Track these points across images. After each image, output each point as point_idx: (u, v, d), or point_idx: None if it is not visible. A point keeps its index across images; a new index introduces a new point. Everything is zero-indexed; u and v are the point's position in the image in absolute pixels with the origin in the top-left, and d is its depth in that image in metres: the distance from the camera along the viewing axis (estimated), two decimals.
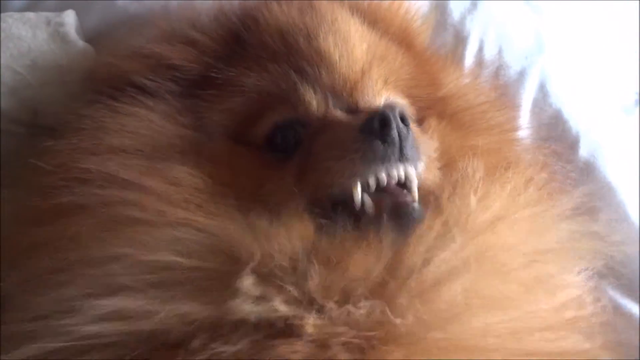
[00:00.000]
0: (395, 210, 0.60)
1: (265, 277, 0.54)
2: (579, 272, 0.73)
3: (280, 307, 0.53)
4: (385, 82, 0.73)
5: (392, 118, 0.61)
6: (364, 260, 0.56)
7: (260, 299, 0.54)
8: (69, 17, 0.82)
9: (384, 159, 0.60)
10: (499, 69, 0.99)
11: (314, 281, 0.54)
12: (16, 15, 0.81)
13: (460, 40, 0.99)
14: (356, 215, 0.60)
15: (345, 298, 0.55)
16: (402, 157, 0.61)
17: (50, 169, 0.64)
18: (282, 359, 0.53)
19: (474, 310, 0.57)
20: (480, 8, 1.01)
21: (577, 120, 0.97)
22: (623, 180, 0.94)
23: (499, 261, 0.61)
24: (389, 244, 0.58)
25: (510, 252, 0.62)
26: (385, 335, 0.54)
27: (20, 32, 0.77)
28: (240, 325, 0.53)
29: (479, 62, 0.98)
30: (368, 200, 0.61)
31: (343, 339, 0.53)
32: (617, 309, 0.85)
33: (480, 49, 0.99)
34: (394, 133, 0.60)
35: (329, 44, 0.71)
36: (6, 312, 0.60)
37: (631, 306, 0.88)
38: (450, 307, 0.56)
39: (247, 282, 0.54)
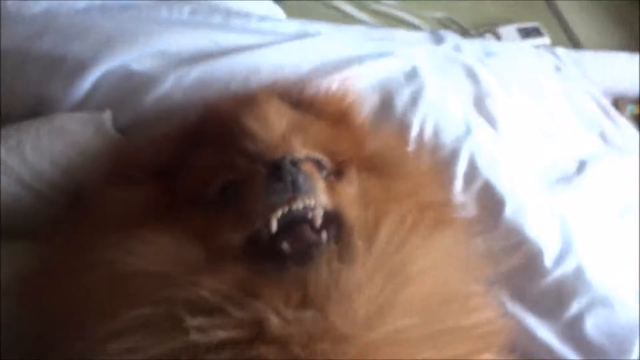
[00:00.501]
0: (302, 253, 0.74)
1: (206, 314, 0.67)
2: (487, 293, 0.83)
3: (224, 333, 0.66)
4: (303, 144, 0.87)
5: (281, 163, 0.77)
6: (284, 288, 0.70)
7: (206, 330, 0.66)
8: (108, 116, 1.05)
9: (281, 193, 0.76)
10: (435, 147, 1.18)
11: (248, 310, 0.67)
12: (68, 114, 1.05)
13: (405, 127, 1.20)
14: (278, 258, 0.74)
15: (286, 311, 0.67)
16: (295, 190, 0.76)
17: (70, 239, 0.83)
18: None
19: (387, 316, 0.68)
20: (419, 102, 1.23)
21: (502, 186, 1.15)
22: (539, 233, 1.12)
23: (403, 273, 0.72)
24: (301, 273, 0.71)
25: (412, 266, 0.74)
26: (326, 336, 0.65)
27: (73, 127, 1.00)
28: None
29: (420, 143, 1.18)
30: (285, 245, 0.74)
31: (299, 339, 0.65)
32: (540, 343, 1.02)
33: (421, 133, 1.19)
34: (286, 174, 0.76)
35: (252, 122, 0.87)
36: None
37: (552, 340, 1.03)
38: (366, 312, 0.67)
39: (193, 324, 0.66)
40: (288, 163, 0.77)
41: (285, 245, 0.76)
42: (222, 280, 0.72)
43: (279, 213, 0.76)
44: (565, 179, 1.34)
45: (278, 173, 0.77)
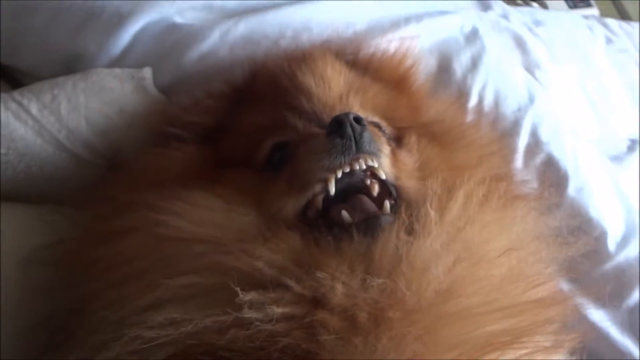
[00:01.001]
0: (365, 223, 0.69)
1: (261, 287, 0.63)
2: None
3: (282, 309, 0.62)
4: (361, 106, 0.84)
5: (345, 118, 0.72)
6: (348, 259, 0.65)
7: (261, 307, 0.62)
8: (148, 73, 0.98)
9: (344, 151, 0.71)
10: (496, 118, 1.11)
11: (308, 283, 0.63)
12: (107, 70, 0.97)
13: (462, 94, 1.12)
14: (335, 227, 0.70)
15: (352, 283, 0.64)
16: (359, 149, 0.71)
17: (110, 200, 0.79)
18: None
19: (458, 292, 0.65)
20: (479, 67, 1.15)
21: (566, 161, 1.08)
22: (603, 214, 1.05)
23: (477, 251, 0.69)
24: (364, 244, 0.67)
25: (486, 245, 0.71)
26: (395, 306, 0.62)
27: (111, 84, 0.93)
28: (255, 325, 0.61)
29: (479, 112, 1.11)
30: (345, 214, 0.70)
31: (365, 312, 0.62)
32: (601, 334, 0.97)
33: (480, 102, 1.12)
34: (349, 130, 0.71)
35: (308, 79, 0.84)
36: (77, 320, 0.70)
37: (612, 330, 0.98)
38: (437, 286, 0.64)
39: (246, 299, 0.62)
40: (352, 119, 0.73)
41: (345, 214, 0.71)
42: (277, 250, 0.67)
43: (339, 173, 0.72)
44: (617, 158, 1.28)
45: (340, 130, 0.71)
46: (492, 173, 0.87)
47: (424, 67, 1.09)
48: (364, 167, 0.72)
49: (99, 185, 0.87)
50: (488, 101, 1.13)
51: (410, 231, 0.69)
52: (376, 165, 0.73)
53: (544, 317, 0.69)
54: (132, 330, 0.62)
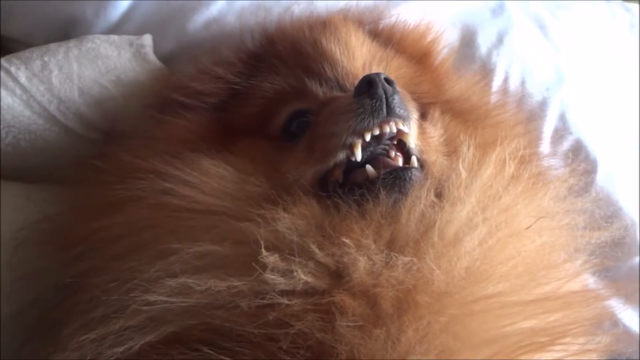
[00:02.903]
0: (393, 176, 0.64)
1: (283, 253, 0.59)
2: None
3: (305, 277, 0.57)
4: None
5: (376, 78, 0.66)
6: (368, 229, 0.60)
7: (285, 272, 0.57)
8: (148, 40, 0.90)
9: (374, 113, 0.65)
10: (522, 98, 1.03)
11: (331, 250, 0.59)
12: (103, 37, 0.89)
13: (487, 71, 1.03)
14: (358, 190, 0.64)
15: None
16: (390, 112, 0.66)
17: (110, 169, 0.72)
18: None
19: (489, 272, 0.60)
20: (506, 43, 1.06)
21: (595, 147, 1.01)
22: (634, 204, 0.99)
23: (509, 231, 0.63)
24: (391, 203, 0.61)
25: (507, 223, 0.64)
26: (422, 288, 0.57)
27: (107, 52, 0.85)
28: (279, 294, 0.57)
29: (504, 91, 1.03)
30: (370, 168, 0.65)
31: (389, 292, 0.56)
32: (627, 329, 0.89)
33: (506, 80, 1.04)
34: (380, 90, 0.66)
35: (332, 46, 0.79)
36: (75, 296, 0.65)
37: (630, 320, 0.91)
38: (468, 263, 0.59)
39: (269, 260, 0.58)
40: (383, 79, 0.67)
41: (369, 168, 0.65)
42: (299, 216, 0.61)
43: (368, 136, 0.66)
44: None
45: (371, 90, 0.66)
46: (518, 154, 0.79)
47: (446, 40, 1.01)
48: (395, 130, 0.67)
49: (94, 164, 0.78)
50: (514, 80, 1.05)
51: (439, 195, 0.63)
52: (407, 130, 0.68)
53: (584, 316, 0.64)
54: (141, 296, 0.58)
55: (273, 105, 0.77)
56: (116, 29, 0.95)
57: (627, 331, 0.90)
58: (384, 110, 0.66)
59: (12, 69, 0.82)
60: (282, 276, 0.57)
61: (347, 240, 0.58)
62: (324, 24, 0.83)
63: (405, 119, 0.67)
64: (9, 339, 0.70)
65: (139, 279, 0.60)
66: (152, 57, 0.88)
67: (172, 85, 0.84)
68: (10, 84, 0.81)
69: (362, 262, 0.58)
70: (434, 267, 0.58)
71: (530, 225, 0.65)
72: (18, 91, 0.81)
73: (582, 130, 1.03)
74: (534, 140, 0.96)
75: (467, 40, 1.06)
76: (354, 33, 0.82)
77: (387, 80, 0.67)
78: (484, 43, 1.06)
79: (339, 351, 0.53)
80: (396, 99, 0.66)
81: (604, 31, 1.34)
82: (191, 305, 0.58)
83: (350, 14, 0.90)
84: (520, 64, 1.06)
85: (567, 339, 0.61)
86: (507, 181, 0.68)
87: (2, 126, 0.81)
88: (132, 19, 0.95)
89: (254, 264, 0.57)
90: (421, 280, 0.58)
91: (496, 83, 1.04)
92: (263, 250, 0.58)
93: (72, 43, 0.86)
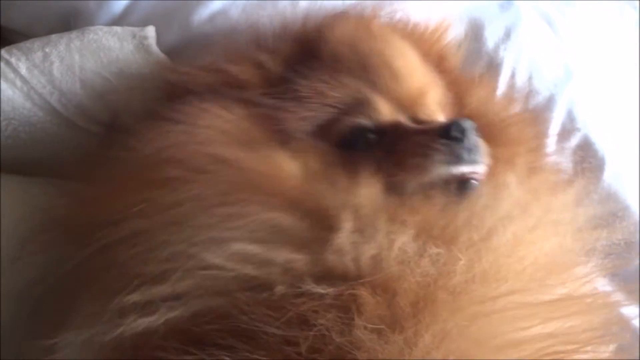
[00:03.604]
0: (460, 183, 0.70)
1: (355, 229, 0.60)
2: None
3: (369, 252, 0.58)
4: (435, 102, 0.81)
5: (468, 127, 0.71)
6: (429, 215, 0.62)
7: (352, 248, 0.58)
8: (151, 32, 0.87)
9: (461, 160, 0.70)
10: (529, 94, 1.01)
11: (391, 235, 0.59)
12: (105, 28, 0.87)
13: (493, 67, 1.01)
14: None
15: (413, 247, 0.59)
16: (472, 160, 0.71)
17: (149, 152, 0.68)
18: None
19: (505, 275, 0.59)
20: (514, 38, 1.04)
21: (603, 144, 0.99)
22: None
23: (523, 238, 0.64)
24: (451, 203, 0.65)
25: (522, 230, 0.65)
26: (442, 283, 0.57)
27: (110, 44, 0.83)
28: (326, 276, 0.57)
29: (511, 87, 1.01)
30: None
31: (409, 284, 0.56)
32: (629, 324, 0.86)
33: (513, 76, 1.02)
34: (472, 141, 0.71)
35: (400, 64, 0.78)
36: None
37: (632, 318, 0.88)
38: (494, 256, 0.60)
39: (343, 233, 0.59)
40: (471, 128, 0.72)
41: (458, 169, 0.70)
42: (370, 194, 0.64)
43: (447, 176, 0.70)
44: None
45: (465, 140, 0.71)
46: (533, 166, 0.83)
47: (453, 35, 0.99)
48: (470, 172, 0.71)
49: (98, 157, 0.75)
50: (521, 75, 1.03)
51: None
52: (480, 173, 0.73)
53: (604, 321, 0.63)
54: (197, 257, 0.57)
55: (332, 113, 0.75)
56: (119, 20, 0.93)
57: (636, 332, 0.88)
58: (469, 158, 0.71)
59: (13, 60, 0.80)
60: (341, 256, 0.57)
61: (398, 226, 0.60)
62: (385, 37, 0.82)
63: (480, 164, 0.72)
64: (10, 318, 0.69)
65: (195, 239, 0.59)
66: (155, 49, 0.86)
67: (207, 68, 0.80)
68: (11, 75, 0.79)
69: (396, 249, 0.58)
70: (460, 257, 0.58)
71: (547, 228, 0.66)
72: (18, 83, 0.79)
73: (589, 127, 1.01)
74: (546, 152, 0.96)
75: (474, 35, 1.04)
76: (412, 52, 0.82)
77: (475, 128, 0.72)
78: (491, 38, 1.04)
79: (357, 358, 0.52)
80: (479, 149, 0.72)
81: (611, 28, 1.31)
82: (233, 278, 0.57)
83: (350, 10, 0.88)
84: (527, 60, 1.04)
85: (591, 346, 0.60)
86: (530, 190, 0.72)
87: (2, 118, 0.79)
88: (136, 10, 0.93)
89: (322, 238, 0.58)
90: (444, 273, 0.57)
91: (503, 78, 1.01)
92: (340, 220, 0.59)
93: (74, 34, 0.84)
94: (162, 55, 0.87)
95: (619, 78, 1.18)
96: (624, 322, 0.84)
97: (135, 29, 0.87)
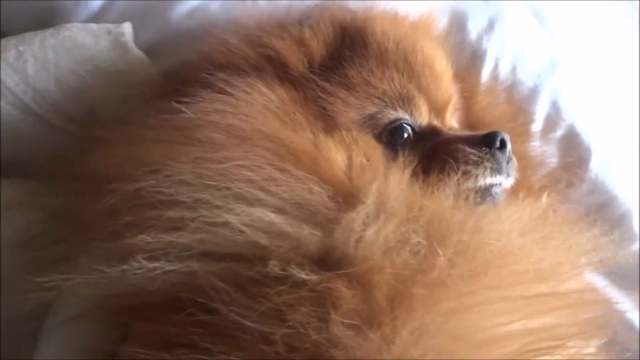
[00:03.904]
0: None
1: (373, 215, 0.60)
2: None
3: (381, 236, 0.58)
4: (454, 108, 0.86)
5: (507, 139, 0.75)
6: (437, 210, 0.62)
7: (361, 230, 0.58)
8: (128, 28, 0.86)
9: (501, 170, 0.75)
10: (513, 85, 1.01)
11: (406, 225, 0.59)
12: (80, 25, 0.85)
13: (477, 58, 1.01)
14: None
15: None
16: (509, 170, 0.76)
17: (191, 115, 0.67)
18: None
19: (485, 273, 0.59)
20: (497, 29, 1.03)
21: (588, 134, 0.99)
22: (629, 192, 0.96)
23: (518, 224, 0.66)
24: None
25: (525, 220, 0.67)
26: (420, 277, 0.56)
27: (85, 41, 0.82)
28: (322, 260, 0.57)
29: (494, 78, 1.00)
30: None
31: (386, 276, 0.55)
32: (623, 319, 0.87)
33: (496, 67, 1.01)
34: (510, 153, 0.75)
35: (440, 67, 0.82)
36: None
37: (633, 314, 0.89)
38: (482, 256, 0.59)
39: (356, 213, 0.59)
40: (508, 142, 0.76)
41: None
42: (399, 183, 0.65)
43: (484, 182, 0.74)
44: None
45: (503, 151, 0.76)
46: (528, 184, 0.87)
47: (437, 27, 0.98)
48: (498, 183, 0.76)
49: (77, 157, 0.73)
50: (505, 66, 1.02)
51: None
52: (507, 185, 0.77)
53: (588, 317, 0.63)
54: (224, 208, 0.58)
55: (377, 104, 0.77)
56: (97, 17, 0.91)
57: (630, 328, 0.88)
58: (505, 170, 0.76)
59: None
60: (347, 236, 0.57)
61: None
62: (426, 37, 0.85)
63: (511, 175, 0.77)
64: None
65: (228, 194, 0.59)
66: (131, 45, 0.85)
67: (251, 42, 0.79)
68: None
69: (382, 237, 0.57)
70: (439, 252, 0.57)
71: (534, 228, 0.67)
72: None
73: (575, 117, 1.00)
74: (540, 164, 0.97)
75: (458, 26, 1.03)
76: (444, 53, 0.86)
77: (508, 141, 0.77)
78: (474, 29, 1.03)
79: (335, 357, 0.51)
80: (512, 161, 0.77)
81: (606, 24, 1.30)
82: (242, 243, 0.57)
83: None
84: (511, 51, 1.03)
85: (574, 342, 0.60)
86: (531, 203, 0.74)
87: None
88: (114, 7, 0.91)
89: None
90: (423, 267, 0.56)
91: (486, 69, 1.01)
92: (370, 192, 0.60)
93: (48, 32, 0.83)
94: (138, 52, 0.86)
95: (606, 67, 1.17)
96: (615, 316, 0.84)
97: (111, 26, 0.86)
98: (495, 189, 0.76)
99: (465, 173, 0.73)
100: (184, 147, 0.63)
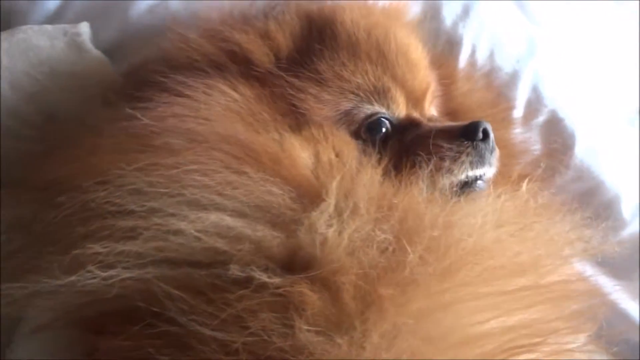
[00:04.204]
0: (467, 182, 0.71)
1: (336, 214, 0.57)
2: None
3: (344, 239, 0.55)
4: (432, 96, 0.82)
5: (489, 130, 0.72)
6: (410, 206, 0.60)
7: (324, 230, 0.55)
8: (84, 28, 0.83)
9: (485, 161, 0.72)
10: (492, 71, 0.98)
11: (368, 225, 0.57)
12: (35, 27, 0.83)
13: (453, 45, 0.98)
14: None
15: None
16: (492, 161, 0.73)
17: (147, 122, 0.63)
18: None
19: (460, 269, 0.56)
20: (472, 14, 1.00)
21: (572, 119, 0.96)
22: (617, 177, 0.94)
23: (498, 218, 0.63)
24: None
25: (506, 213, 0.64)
26: (390, 277, 0.54)
27: (39, 43, 0.79)
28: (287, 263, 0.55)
29: (472, 65, 0.98)
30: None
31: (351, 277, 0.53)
32: (615, 308, 0.85)
33: (473, 54, 0.98)
34: (493, 143, 0.72)
35: (415, 56, 0.79)
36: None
37: (627, 302, 0.87)
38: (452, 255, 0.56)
39: (318, 213, 0.57)
40: (491, 132, 0.73)
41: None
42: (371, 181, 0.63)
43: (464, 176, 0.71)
44: (629, 120, 1.12)
45: (486, 141, 0.73)
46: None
47: (410, 15, 0.95)
48: (482, 175, 0.73)
49: (41, 163, 0.71)
50: (482, 52, 0.99)
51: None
52: (490, 175, 0.74)
53: (571, 310, 0.61)
54: (178, 215, 0.55)
55: (351, 100, 0.74)
56: (56, 18, 0.89)
57: (626, 318, 0.86)
58: (492, 161, 0.73)
59: None
60: (311, 237, 0.55)
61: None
62: (398, 25, 0.82)
63: (492, 165, 0.74)
64: None
65: (182, 200, 0.57)
66: (88, 46, 0.82)
67: (212, 37, 0.75)
68: None
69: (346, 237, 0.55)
70: (409, 250, 0.54)
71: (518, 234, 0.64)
72: None
73: (558, 102, 0.97)
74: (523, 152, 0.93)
75: (432, 14, 1.00)
76: (418, 40, 0.83)
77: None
78: (449, 15, 1.00)
79: None
80: (495, 151, 0.73)
81: (592, 10, 1.28)
82: (201, 249, 0.55)
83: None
84: (488, 36, 1.00)
85: (558, 337, 0.58)
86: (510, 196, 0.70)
87: None
88: (71, 7, 0.89)
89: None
90: (393, 265, 0.54)
91: (463, 56, 0.98)
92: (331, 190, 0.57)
93: (2, 36, 0.80)
94: (96, 52, 0.83)
95: (589, 52, 1.14)
96: (605, 306, 0.81)
97: (67, 26, 0.83)
98: (479, 182, 0.73)
99: (441, 169, 0.70)
100: (138, 154, 0.60)
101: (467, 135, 0.72)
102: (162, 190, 0.57)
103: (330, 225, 0.56)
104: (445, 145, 0.71)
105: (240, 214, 0.56)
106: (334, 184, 0.59)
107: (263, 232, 0.55)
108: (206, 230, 0.55)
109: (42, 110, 0.77)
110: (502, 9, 1.05)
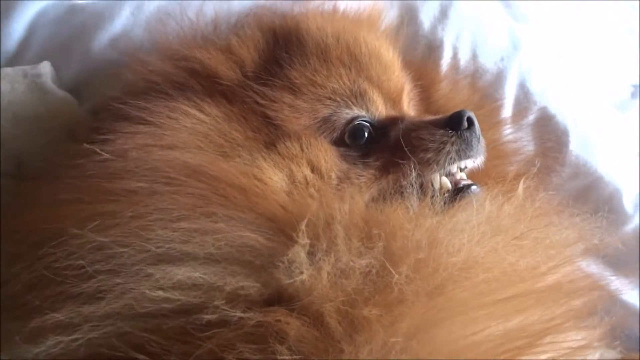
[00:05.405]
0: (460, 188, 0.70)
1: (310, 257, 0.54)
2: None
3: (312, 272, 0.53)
4: (408, 98, 0.81)
5: (473, 117, 0.71)
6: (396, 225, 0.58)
7: (303, 267, 0.53)
8: (45, 68, 0.81)
9: (471, 150, 0.71)
10: (476, 72, 0.95)
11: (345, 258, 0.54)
12: None
13: (433, 49, 0.95)
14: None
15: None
16: (480, 150, 0.72)
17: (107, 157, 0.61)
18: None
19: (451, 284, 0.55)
20: (451, 15, 0.97)
21: (564, 115, 0.93)
22: (615, 170, 0.91)
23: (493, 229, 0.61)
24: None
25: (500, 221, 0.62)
26: (377, 299, 0.52)
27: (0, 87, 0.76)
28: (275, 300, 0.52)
29: (455, 68, 0.95)
30: (446, 181, 0.70)
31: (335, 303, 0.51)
32: (618, 301, 0.82)
33: (455, 56, 0.96)
34: (478, 130, 0.71)
35: (388, 57, 0.77)
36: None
37: (631, 296, 0.85)
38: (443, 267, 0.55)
39: (296, 250, 0.54)
40: (475, 119, 0.72)
41: (445, 180, 0.71)
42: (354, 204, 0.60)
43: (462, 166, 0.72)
44: (620, 106, 1.09)
45: (471, 129, 0.72)
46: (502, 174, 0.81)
47: (384, 21, 0.92)
48: (470, 165, 0.73)
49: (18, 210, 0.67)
50: (464, 53, 0.96)
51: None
52: (478, 165, 0.74)
53: (568, 309, 0.59)
54: (132, 284, 0.52)
55: (328, 105, 0.72)
56: (17, 57, 0.86)
57: (628, 309, 0.84)
58: (474, 147, 0.71)
59: None
60: (289, 276, 0.53)
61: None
62: (367, 29, 0.81)
63: (480, 155, 0.73)
64: None
65: (147, 257, 0.54)
66: (50, 86, 0.79)
67: (171, 57, 0.73)
68: None
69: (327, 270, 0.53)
70: (393, 271, 0.53)
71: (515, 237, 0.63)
72: None
73: (547, 98, 0.95)
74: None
75: (409, 19, 0.98)
76: (389, 43, 0.82)
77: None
78: (426, 19, 0.97)
79: None
80: (481, 139, 0.73)
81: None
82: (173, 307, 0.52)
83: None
84: (469, 36, 0.97)
85: (551, 337, 0.55)
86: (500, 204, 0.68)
87: None
88: (32, 45, 0.86)
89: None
90: (380, 287, 0.52)
91: (445, 59, 0.95)
92: (301, 231, 0.54)
93: None
94: (60, 92, 0.81)
95: (576, 45, 1.12)
96: (607, 301, 0.78)
97: (27, 68, 0.80)
98: (473, 187, 0.71)
99: (427, 162, 0.69)
100: (96, 206, 0.57)
101: (452, 126, 0.71)
102: (123, 249, 0.53)
103: (306, 269, 0.53)
104: (429, 137, 0.70)
105: (212, 262, 0.53)
106: (303, 225, 0.55)
107: (237, 281, 0.52)
108: (175, 287, 0.52)
109: (11, 158, 0.74)
110: (481, 6, 1.02)
